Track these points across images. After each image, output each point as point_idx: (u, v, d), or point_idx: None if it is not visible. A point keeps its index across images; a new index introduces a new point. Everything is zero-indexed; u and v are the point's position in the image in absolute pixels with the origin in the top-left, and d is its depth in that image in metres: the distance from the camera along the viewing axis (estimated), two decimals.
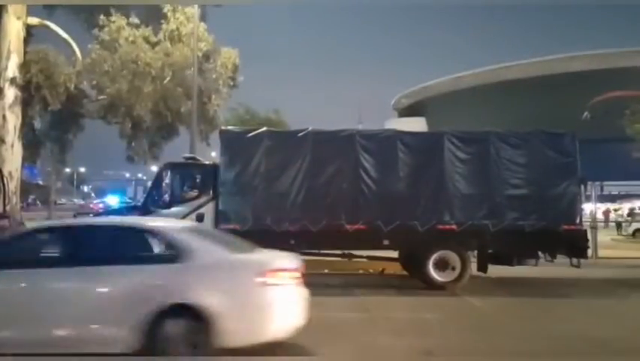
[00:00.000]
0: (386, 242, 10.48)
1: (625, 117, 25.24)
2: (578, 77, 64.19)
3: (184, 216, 10.35)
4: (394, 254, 11.53)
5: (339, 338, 6.87)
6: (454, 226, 10.34)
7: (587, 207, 16.87)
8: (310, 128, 10.73)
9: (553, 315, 8.60)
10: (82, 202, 61.64)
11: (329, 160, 10.56)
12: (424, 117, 78.58)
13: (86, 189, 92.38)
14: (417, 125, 67.87)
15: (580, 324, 7.87)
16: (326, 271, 12.68)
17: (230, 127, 12.54)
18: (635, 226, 25.87)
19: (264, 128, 11.05)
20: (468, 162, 10.57)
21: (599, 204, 30.56)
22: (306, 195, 10.38)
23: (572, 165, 10.70)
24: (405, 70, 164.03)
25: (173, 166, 11.19)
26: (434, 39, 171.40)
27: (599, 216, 25.31)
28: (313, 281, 11.29)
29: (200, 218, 10.35)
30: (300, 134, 10.71)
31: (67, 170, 58.36)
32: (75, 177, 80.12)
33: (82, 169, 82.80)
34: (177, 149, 19.10)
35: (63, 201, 62.56)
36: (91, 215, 11.58)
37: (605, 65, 63.88)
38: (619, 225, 28.85)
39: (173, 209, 10.44)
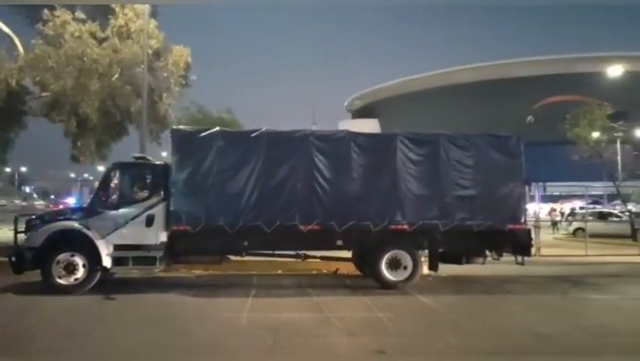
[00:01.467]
0: (340, 242, 10.56)
1: (566, 121, 26.40)
2: (522, 82, 67.05)
3: (133, 218, 10.10)
4: (348, 254, 11.64)
5: (292, 339, 6.86)
6: (406, 226, 10.53)
7: (531, 207, 17.56)
8: (264, 129, 10.67)
9: (500, 312, 8.90)
10: (24, 203, 58.82)
11: (283, 161, 10.53)
12: (377, 119, 79.93)
13: (28, 189, 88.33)
14: (370, 126, 68.87)
15: (525, 320, 8.18)
16: (280, 271, 12.67)
17: (182, 126, 12.27)
18: (575, 225, 27.08)
19: (217, 128, 10.90)
20: (419, 163, 10.79)
21: (542, 204, 31.91)
22: (259, 195, 10.32)
23: (517, 166, 11.10)
24: (359, 71, 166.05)
25: (122, 166, 10.86)
26: (390, 41, 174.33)
27: (543, 215, 26.35)
28: (267, 282, 11.36)
29: (150, 219, 10.11)
30: (253, 135, 10.62)
31: (8, 170, 55.68)
32: (16, 177, 76.52)
33: (23, 169, 79.17)
34: (127, 149, 18.56)
35: (3, 202, 59.54)
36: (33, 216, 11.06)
37: (549, 71, 67.05)
38: (554, 224, 30.18)
39: (122, 210, 10.16)
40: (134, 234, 10.08)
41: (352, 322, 7.94)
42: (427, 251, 11.22)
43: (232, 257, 11.16)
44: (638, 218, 23.04)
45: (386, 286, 10.53)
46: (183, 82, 18.86)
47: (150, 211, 10.18)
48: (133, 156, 11.67)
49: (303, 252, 11.08)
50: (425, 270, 11.25)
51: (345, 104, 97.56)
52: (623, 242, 20.91)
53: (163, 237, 10.21)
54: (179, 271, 12.31)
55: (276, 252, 11.18)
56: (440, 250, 11.17)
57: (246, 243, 10.41)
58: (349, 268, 12.26)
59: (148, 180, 10.69)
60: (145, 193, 10.54)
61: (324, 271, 12.81)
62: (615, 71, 32.90)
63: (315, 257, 11.35)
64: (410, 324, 7.92)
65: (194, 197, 10.22)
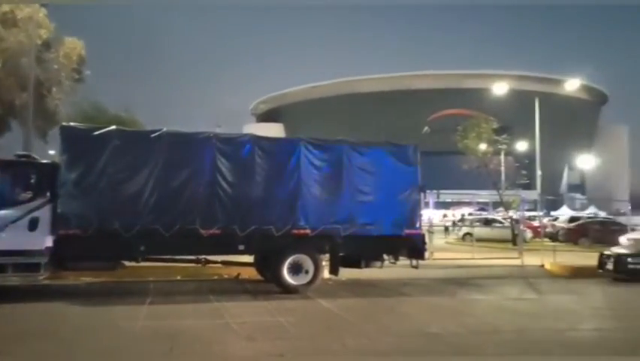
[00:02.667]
0: (241, 247, 10.43)
1: (457, 133, 28.25)
2: (420, 94, 70.80)
3: (14, 221, 9.24)
4: (250, 259, 11.53)
5: (190, 346, 6.64)
6: (308, 231, 10.64)
7: (426, 214, 18.52)
8: (165, 129, 10.28)
9: (396, 313, 9.28)
10: None
11: (184, 163, 10.20)
12: (282, 123, 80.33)
13: None
14: (274, 130, 68.98)
15: (418, 321, 8.59)
16: (179, 277, 12.23)
17: (73, 123, 11.46)
18: (464, 230, 28.99)
19: (113, 127, 10.31)
20: (322, 169, 10.97)
21: (435, 211, 33.80)
22: (158, 198, 9.90)
23: (414, 174, 11.66)
24: (266, 75, 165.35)
25: (2, 164, 9.90)
26: (298, 45, 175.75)
27: (436, 221, 27.93)
28: (165, 288, 10.91)
29: (33, 223, 9.31)
30: (153, 135, 10.19)
31: None
32: None
33: None
34: (9, 146, 16.99)
35: None
36: None
37: (444, 85, 71.41)
38: (446, 229, 32.18)
39: (1, 212, 9.26)
40: (14, 238, 9.21)
41: (253, 327, 7.85)
42: (328, 255, 11.40)
43: (127, 263, 10.60)
44: (518, 224, 25.16)
45: (287, 290, 10.55)
46: (76, 76, 17.72)
47: (34, 214, 9.37)
48: (15, 154, 10.71)
49: (204, 257, 10.81)
50: (326, 274, 11.44)
51: (250, 107, 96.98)
52: (505, 246, 22.74)
53: (48, 242, 9.44)
54: (67, 279, 11.45)
55: (175, 257, 10.80)
56: (341, 255, 11.42)
57: (142, 248, 9.93)
58: (251, 273, 12.14)
59: (32, 180, 9.83)
60: (28, 194, 9.68)
61: (225, 276, 12.58)
62: (500, 88, 35.89)
63: (216, 262, 11.11)
64: (310, 327, 8.00)
65: (86, 199, 9.57)
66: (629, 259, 13.79)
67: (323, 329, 7.86)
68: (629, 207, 29.60)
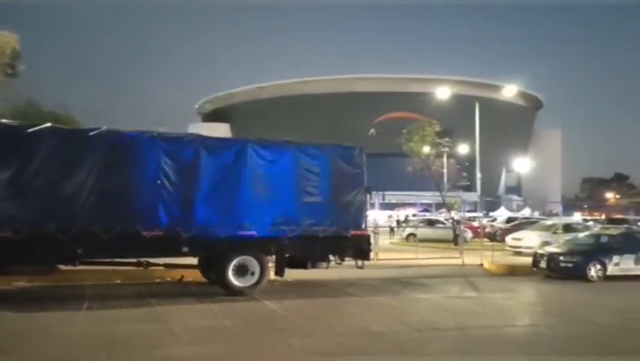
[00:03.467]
0: (185, 249, 10.19)
1: (402, 136, 28.89)
2: (366, 96, 71.85)
3: None
4: (194, 261, 11.29)
5: (129, 352, 6.43)
6: (254, 232, 10.54)
7: (371, 215, 18.79)
8: (104, 128, 9.90)
9: (341, 313, 9.36)
10: None
11: (125, 162, 9.86)
12: (229, 123, 79.36)
13: None
14: (221, 130, 68.10)
15: (362, 320, 8.70)
16: (118, 281, 11.82)
17: (4, 120, 10.83)
18: (408, 230, 29.62)
19: (48, 124, 9.82)
20: (269, 170, 10.89)
21: (380, 212, 34.33)
22: (97, 199, 9.52)
23: (359, 175, 11.80)
24: (212, 74, 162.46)
25: None
26: (246, 44, 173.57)
27: (381, 222, 28.38)
28: (103, 293, 10.51)
29: None
30: (91, 133, 9.78)
31: None
32: None
33: None
34: None
35: None
36: None
37: (388, 88, 72.80)
38: (391, 229, 32.79)
39: None
40: None
41: (197, 330, 7.70)
42: (274, 257, 11.35)
43: (64, 267, 10.13)
44: (459, 225, 25.97)
45: (233, 292, 10.41)
46: (9, 71, 16.75)
47: None
48: None
49: (145, 259, 10.49)
50: (272, 275, 11.39)
51: (196, 106, 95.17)
52: (447, 246, 23.41)
53: None
54: None
55: (115, 260, 10.43)
56: (287, 256, 11.39)
57: (80, 250, 9.52)
58: (195, 275, 11.90)
59: None
60: None
61: (168, 279, 12.27)
62: (443, 92, 36.98)
63: (158, 264, 10.82)
64: (256, 329, 7.93)
65: (17, 199, 9.07)
66: (561, 258, 14.55)
67: (269, 331, 7.81)
68: (561, 208, 31.30)
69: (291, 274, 11.81)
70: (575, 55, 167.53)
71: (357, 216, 11.66)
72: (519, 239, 20.81)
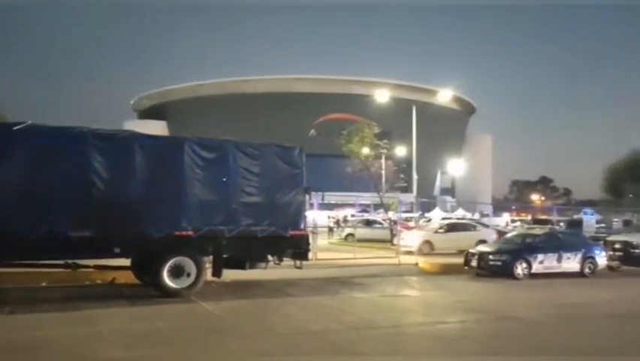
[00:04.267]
0: (117, 250, 9.82)
1: (341, 137, 29.24)
2: (306, 97, 72.08)
3: None
4: (126, 262, 10.91)
5: (54, 359, 6.12)
6: (190, 232, 10.30)
7: (311, 215, 18.88)
8: (29, 122, 9.35)
9: (280, 313, 9.34)
10: None
11: (52, 159, 9.34)
12: (166, 121, 77.21)
13: None
14: (157, 128, 66.18)
15: (301, 320, 8.72)
16: (44, 284, 11.21)
17: None
18: (347, 230, 29.96)
19: None
20: (207, 169, 10.69)
21: (320, 212, 34.56)
22: (21, 198, 8.99)
23: (299, 176, 11.81)
24: (150, 70, 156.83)
25: None
26: (187, 41, 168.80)
27: (321, 222, 28.56)
28: (27, 296, 9.94)
29: None
30: (15, 128, 9.22)
31: None
32: None
33: None
34: None
35: None
36: None
37: (329, 89, 73.41)
38: (330, 229, 33.09)
39: None
40: None
41: (129, 334, 7.44)
42: (211, 257, 11.15)
43: None
44: (396, 225, 26.57)
45: (168, 294, 10.13)
46: None
47: None
48: None
49: (74, 261, 10.01)
50: (209, 276, 11.19)
51: (132, 102, 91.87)
52: (384, 246, 23.86)
53: None
54: None
55: (42, 262, 9.89)
56: (225, 256, 11.23)
57: (2, 252, 8.95)
58: (128, 277, 11.49)
59: None
60: None
61: (99, 282, 11.77)
62: (382, 95, 37.76)
63: (87, 266, 10.36)
64: (192, 331, 7.77)
65: None
66: (490, 257, 15.23)
67: (205, 332, 7.67)
68: (492, 209, 32.79)
69: (229, 274, 11.66)
70: (503, 60, 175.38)
71: (296, 216, 11.67)
72: (403, 238, 21.52)
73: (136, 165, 9.99)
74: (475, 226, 23.77)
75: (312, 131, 45.68)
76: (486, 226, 25.93)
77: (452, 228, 22.85)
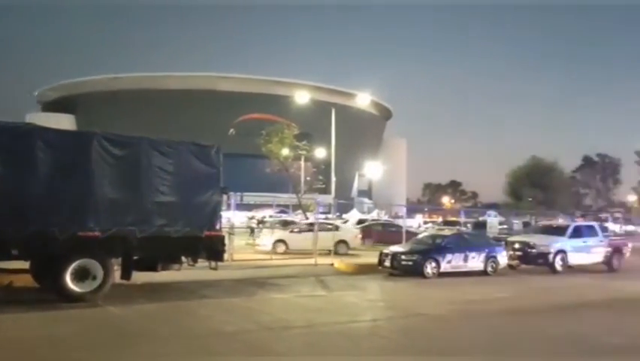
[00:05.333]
0: (15, 252, 9.14)
1: (261, 137, 29.17)
2: (226, 95, 71.05)
3: None
4: (25, 265, 10.17)
5: None
6: (97, 233, 9.77)
7: (229, 215, 18.63)
8: None
9: (194, 316, 9.14)
10: None
11: None
12: (74, 115, 72.82)
13: None
14: (65, 122, 62.30)
15: (216, 322, 8.61)
16: None
17: None
18: (276, 237, 29.61)
19: None
20: (117, 166, 10.20)
21: (238, 213, 34.14)
22: None
23: (215, 175, 11.61)
24: (59, 61, 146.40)
25: None
26: (105, 35, 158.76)
27: (241, 223, 28.21)
28: None
29: None
30: None
31: None
32: None
33: None
34: None
35: None
36: None
37: (249, 89, 72.82)
38: (252, 230, 32.81)
39: None
40: None
41: (27, 342, 6.95)
42: (120, 259, 10.67)
43: None
44: (314, 226, 26.84)
45: (71, 298, 9.54)
46: None
47: None
48: None
49: None
50: (117, 279, 10.71)
51: (36, 94, 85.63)
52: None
53: None
54: None
55: None
56: (135, 258, 10.79)
57: None
58: (27, 280, 10.71)
59: None
60: None
61: None
62: (302, 97, 38.05)
63: None
64: (98, 337, 7.42)
65: None
66: (402, 257, 15.82)
67: (112, 338, 7.34)
68: (405, 211, 34.08)
69: (140, 276, 11.23)
70: (420, 64, 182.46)
71: (212, 216, 11.47)
72: (259, 237, 21.75)
73: (37, 161, 9.34)
74: (337, 226, 23.00)
75: (232, 130, 45.06)
76: (399, 226, 26.80)
77: (309, 227, 22.08)
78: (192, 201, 11.08)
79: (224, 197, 12.38)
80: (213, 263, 11.70)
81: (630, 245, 21.95)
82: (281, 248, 20.50)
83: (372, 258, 17.08)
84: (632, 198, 68.60)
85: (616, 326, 9.27)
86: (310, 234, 19.92)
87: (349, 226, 24.48)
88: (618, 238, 23.01)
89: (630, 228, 48.24)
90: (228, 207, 16.96)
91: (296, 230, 22.56)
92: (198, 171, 11.28)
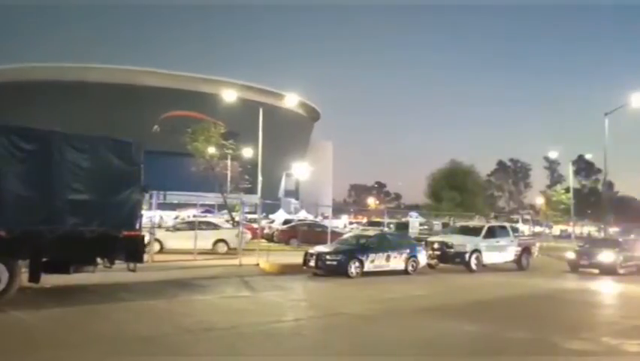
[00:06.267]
0: None
1: (187, 135, 28.40)
2: (152, 91, 68.60)
3: None
4: None
5: None
6: (2, 233, 9.09)
7: (152, 215, 17.99)
8: None
9: (108, 320, 8.71)
10: None
11: None
12: None
13: None
14: None
15: (132, 326, 8.24)
16: None
17: None
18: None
19: None
20: (26, 161, 9.53)
21: (162, 212, 33.11)
22: None
23: (136, 173, 11.15)
24: None
25: None
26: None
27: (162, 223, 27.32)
28: None
29: None
30: None
31: None
32: None
33: None
34: None
35: None
36: None
37: (174, 85, 70.75)
38: (178, 230, 31.84)
39: None
40: None
41: None
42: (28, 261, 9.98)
43: None
44: (239, 226, 26.54)
45: None
46: None
47: None
48: None
49: None
50: (25, 282, 10.01)
51: None
52: None
53: None
54: None
55: None
56: (45, 259, 10.13)
57: None
58: None
59: None
60: None
61: None
62: (229, 95, 37.52)
63: None
64: (0, 344, 6.87)
65: None
66: (327, 257, 16.00)
67: (14, 345, 6.83)
68: (331, 212, 34.55)
69: (51, 279, 10.58)
70: (348, 66, 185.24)
71: (131, 216, 11.03)
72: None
73: None
74: (217, 225, 23.07)
75: (156, 127, 43.50)
76: (325, 227, 27.06)
77: (187, 226, 21.66)
78: (109, 199, 10.58)
79: (145, 195, 11.90)
80: (132, 265, 11.24)
81: (538, 245, 23.57)
82: (155, 248, 17.99)
83: (297, 258, 17.13)
84: (540, 200, 73.51)
85: (524, 322, 9.88)
86: (188, 233, 19.29)
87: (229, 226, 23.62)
88: (527, 238, 24.56)
89: (538, 229, 51.79)
90: (150, 206, 16.39)
91: (171, 229, 21.87)
92: (117, 168, 10.79)
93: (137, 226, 11.22)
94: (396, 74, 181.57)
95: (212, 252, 19.97)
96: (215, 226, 22.67)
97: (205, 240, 18.65)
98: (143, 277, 12.38)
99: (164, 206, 40.05)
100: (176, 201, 47.98)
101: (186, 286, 12.65)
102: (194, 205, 45.68)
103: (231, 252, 20.06)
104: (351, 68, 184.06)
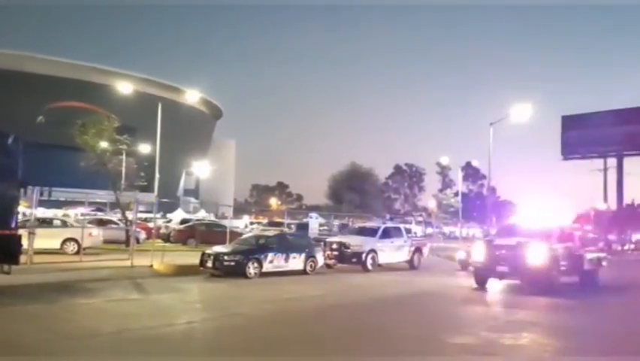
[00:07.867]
0: None
1: (76, 127, 26.46)
2: (37, 78, 63.23)
3: None
4: None
5: None
6: None
7: (34, 212, 16.59)
8: None
9: None
10: None
11: None
12: None
13: None
14: None
15: (3, 333, 7.51)
16: None
17: None
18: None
19: None
20: None
21: (46, 210, 30.65)
22: None
23: (11, 167, 10.22)
24: None
25: None
26: None
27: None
28: None
29: None
30: None
31: None
32: None
33: None
34: None
35: None
36: None
37: (65, 74, 65.85)
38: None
39: None
40: None
41: None
42: None
43: None
44: (132, 225, 25.31)
45: None
46: None
47: None
48: None
49: None
50: None
51: None
52: (118, 247, 22.48)
53: None
54: None
55: None
56: None
57: None
58: None
59: None
60: None
61: None
62: (125, 88, 35.69)
63: None
64: None
65: None
66: (225, 257, 15.71)
67: None
68: (232, 211, 34.09)
69: None
70: (249, 66, 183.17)
71: (6, 213, 10.06)
72: None
73: None
74: (65, 223, 22.04)
75: (41, 117, 40.11)
76: (224, 227, 26.58)
77: (42, 223, 19.75)
78: None
79: (23, 192, 10.92)
80: (6, 266, 10.29)
81: (429, 245, 24.93)
82: None
83: (194, 259, 16.64)
84: (432, 203, 78.02)
85: (411, 318, 10.38)
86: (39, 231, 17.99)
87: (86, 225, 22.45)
88: (420, 239, 25.87)
89: (430, 230, 54.95)
90: (31, 203, 15.07)
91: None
92: None
93: (13, 225, 10.26)
94: (303, 76, 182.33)
95: (60, 252, 18.63)
96: (64, 224, 21.34)
97: (51, 239, 17.40)
98: (20, 280, 11.45)
99: (48, 203, 37.19)
100: (63, 199, 44.68)
101: (69, 289, 11.81)
102: (82, 203, 42.89)
103: (87, 252, 18.46)
104: (259, 68, 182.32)
